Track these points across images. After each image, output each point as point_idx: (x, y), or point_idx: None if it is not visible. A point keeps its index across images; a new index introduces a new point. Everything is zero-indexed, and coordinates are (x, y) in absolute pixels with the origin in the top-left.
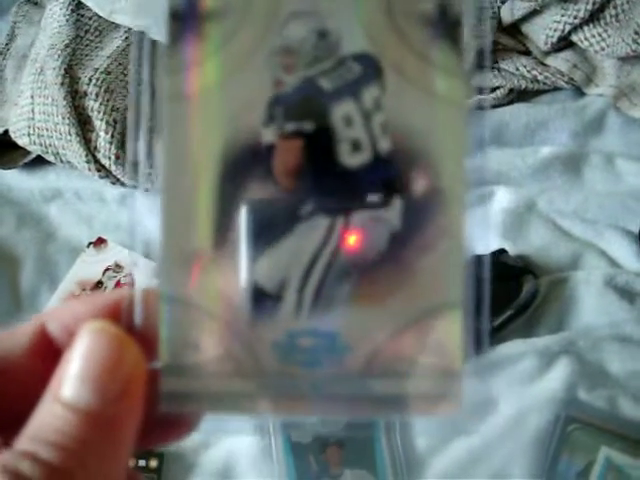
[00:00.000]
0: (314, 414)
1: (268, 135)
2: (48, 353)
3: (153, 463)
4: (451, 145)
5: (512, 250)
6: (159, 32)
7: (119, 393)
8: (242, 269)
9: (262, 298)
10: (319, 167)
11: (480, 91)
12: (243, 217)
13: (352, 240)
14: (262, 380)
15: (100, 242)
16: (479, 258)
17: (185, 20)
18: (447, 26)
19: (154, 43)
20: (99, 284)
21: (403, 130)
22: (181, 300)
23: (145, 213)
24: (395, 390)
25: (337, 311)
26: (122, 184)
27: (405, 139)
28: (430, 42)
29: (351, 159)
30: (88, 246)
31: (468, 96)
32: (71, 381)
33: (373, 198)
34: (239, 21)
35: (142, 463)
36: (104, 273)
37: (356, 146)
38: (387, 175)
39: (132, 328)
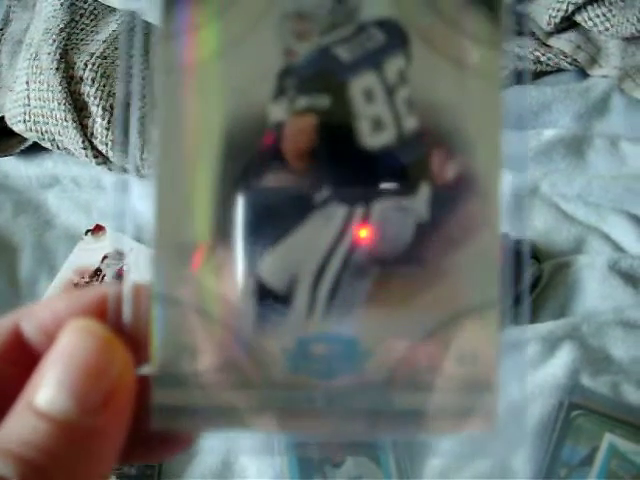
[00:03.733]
0: (328, 432)
1: (278, 111)
2: (22, 357)
3: None
4: (485, 124)
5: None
6: (153, 12)
7: (101, 403)
8: (246, 265)
9: (269, 298)
10: (335, 148)
11: (519, 61)
12: (243, 207)
13: (373, 232)
14: (268, 392)
15: (98, 229)
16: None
17: None
18: None
19: (147, 25)
20: (97, 272)
21: (431, 107)
22: (176, 299)
23: (137, 198)
24: (420, 404)
25: (355, 314)
26: (120, 170)
27: (433, 117)
28: (463, 7)
29: (372, 139)
30: (86, 233)
31: (503, 69)
32: (47, 386)
33: (397, 184)
34: None
35: None
36: (102, 260)
37: (378, 124)
38: (413, 158)
39: (120, 329)
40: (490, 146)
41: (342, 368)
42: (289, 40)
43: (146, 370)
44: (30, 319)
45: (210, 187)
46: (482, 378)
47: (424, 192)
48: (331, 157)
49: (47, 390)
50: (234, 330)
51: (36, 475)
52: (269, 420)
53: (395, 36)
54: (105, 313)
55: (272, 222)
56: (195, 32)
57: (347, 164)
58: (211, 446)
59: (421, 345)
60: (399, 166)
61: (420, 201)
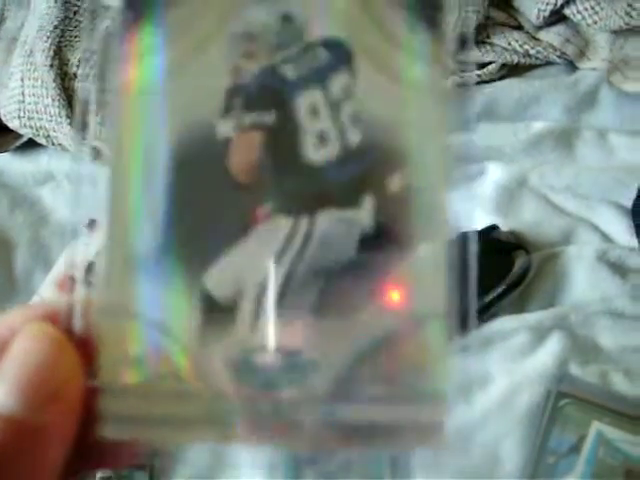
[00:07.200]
0: (273, 443)
1: (225, 127)
2: None
3: None
4: (428, 137)
5: (504, 226)
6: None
7: (48, 400)
8: (191, 277)
9: (213, 309)
10: (281, 162)
11: (462, 71)
12: (190, 220)
13: (317, 244)
14: (213, 403)
15: (92, 224)
16: (465, 235)
17: (141, 6)
18: (426, 10)
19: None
20: (92, 265)
21: (375, 121)
22: (122, 310)
23: (91, 184)
24: (367, 417)
25: (300, 325)
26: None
27: (377, 131)
28: (407, 27)
29: (317, 153)
30: (81, 228)
31: (447, 84)
32: None
33: (341, 196)
34: (198, 6)
35: None
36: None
37: (323, 139)
38: (357, 171)
39: (71, 339)
40: (433, 160)
41: (287, 380)
42: (238, 60)
43: (94, 380)
44: None
45: (159, 200)
46: (431, 389)
47: (368, 204)
48: (276, 171)
49: None
50: (178, 340)
51: None
52: (214, 431)
53: (340, 54)
54: (58, 325)
55: (218, 234)
56: (151, 54)
57: (292, 178)
58: None
59: (368, 356)
60: (343, 179)
61: (364, 213)
